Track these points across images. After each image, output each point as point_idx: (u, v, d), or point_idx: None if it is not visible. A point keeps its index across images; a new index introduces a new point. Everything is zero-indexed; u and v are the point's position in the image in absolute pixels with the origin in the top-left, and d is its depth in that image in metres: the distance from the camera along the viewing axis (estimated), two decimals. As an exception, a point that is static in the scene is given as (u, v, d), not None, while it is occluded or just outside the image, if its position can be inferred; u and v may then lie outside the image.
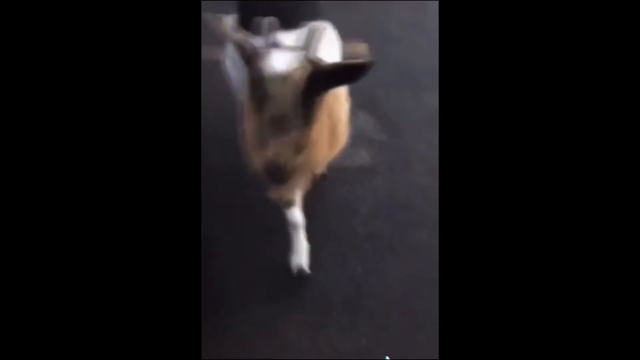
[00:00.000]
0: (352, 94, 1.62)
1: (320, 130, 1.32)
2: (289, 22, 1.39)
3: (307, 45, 1.22)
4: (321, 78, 1.17)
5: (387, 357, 1.46)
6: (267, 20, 1.23)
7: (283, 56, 1.16)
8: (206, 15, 1.24)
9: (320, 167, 1.68)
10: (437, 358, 1.50)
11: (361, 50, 1.41)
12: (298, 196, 1.63)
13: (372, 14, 2.86)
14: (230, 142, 1.63)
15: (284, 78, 1.13)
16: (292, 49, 1.21)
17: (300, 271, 1.69)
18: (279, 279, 1.70)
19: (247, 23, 1.37)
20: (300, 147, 1.19)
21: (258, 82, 1.15)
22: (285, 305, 1.65)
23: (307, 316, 1.61)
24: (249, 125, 1.28)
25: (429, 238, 1.79)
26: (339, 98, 1.51)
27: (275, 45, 1.21)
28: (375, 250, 1.79)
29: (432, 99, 2.30)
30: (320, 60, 1.19)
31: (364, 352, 1.53)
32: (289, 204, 1.60)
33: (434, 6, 2.49)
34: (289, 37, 1.30)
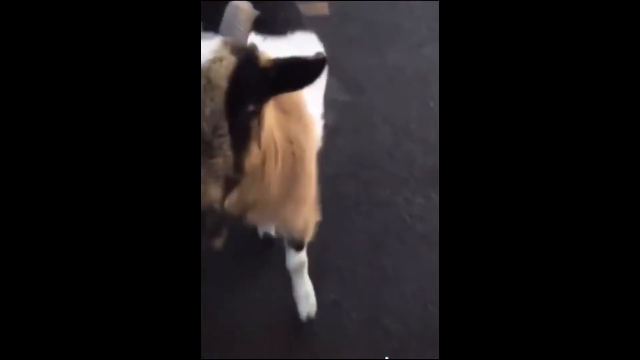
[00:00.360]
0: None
1: (269, 155, 0.96)
2: (273, 28, 1.12)
3: (229, 28, 0.84)
4: (254, 75, 0.83)
5: (387, 358, 1.47)
6: None
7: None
8: None
9: (280, 221, 1.24)
10: (401, 306, 1.57)
11: (321, 9, 1.18)
12: None
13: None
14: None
15: None
16: (205, 36, 0.85)
17: (267, 235, 1.71)
18: (247, 243, 1.71)
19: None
20: (231, 181, 0.82)
21: None
22: (254, 268, 1.67)
23: (276, 277, 1.64)
24: None
25: (392, 194, 1.83)
26: (299, 115, 1.11)
27: None
28: (341, 209, 1.82)
29: (393, 57, 2.30)
30: (251, 48, 0.85)
31: (332, 306, 1.58)
32: None
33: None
34: (274, 45, 1.00)
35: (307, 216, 1.24)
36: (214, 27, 0.94)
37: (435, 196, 1.81)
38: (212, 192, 0.79)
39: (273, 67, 0.85)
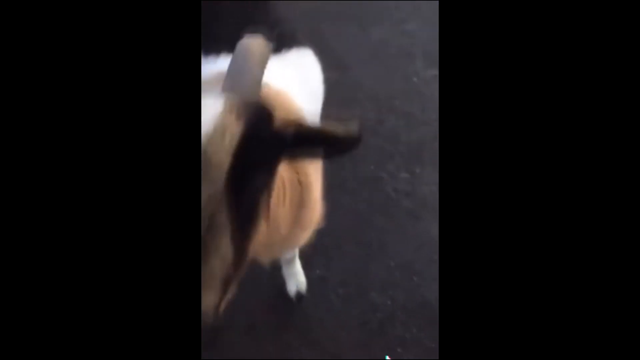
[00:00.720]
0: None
1: (278, 197, 0.86)
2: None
3: (238, 75, 0.67)
4: (266, 141, 0.67)
5: (387, 357, 1.48)
6: None
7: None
8: None
9: (286, 249, 1.20)
10: (386, 279, 1.59)
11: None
12: None
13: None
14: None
15: None
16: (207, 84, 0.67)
17: None
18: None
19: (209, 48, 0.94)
20: (230, 278, 0.66)
21: None
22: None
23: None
24: None
25: (377, 170, 1.84)
26: None
27: None
28: (326, 186, 1.82)
29: (377, 34, 2.29)
30: (264, 105, 0.68)
31: (319, 281, 1.60)
32: None
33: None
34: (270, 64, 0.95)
35: (310, 232, 1.17)
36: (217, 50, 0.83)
37: (419, 170, 1.82)
38: (206, 300, 0.63)
39: (292, 131, 0.69)
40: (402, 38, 2.25)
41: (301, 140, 0.70)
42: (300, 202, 0.97)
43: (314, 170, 1.00)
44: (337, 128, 0.71)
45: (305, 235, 1.12)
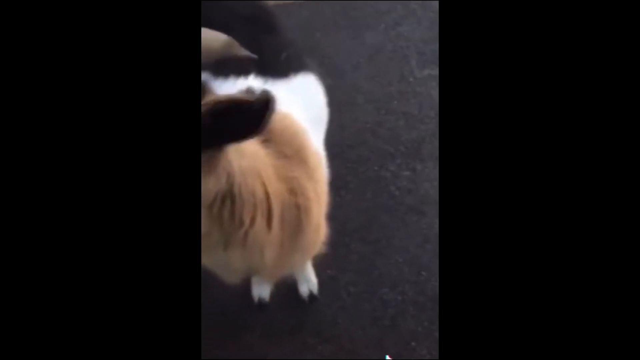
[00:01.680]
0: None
1: (259, 218, 0.85)
2: (274, 70, 1.06)
3: None
4: None
5: (388, 357, 1.52)
6: None
7: None
8: None
9: (289, 270, 1.24)
10: (395, 275, 1.63)
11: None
12: None
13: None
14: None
15: None
16: None
17: (262, 300, 1.67)
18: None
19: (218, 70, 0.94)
20: None
21: None
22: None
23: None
24: None
25: (379, 170, 1.88)
26: (302, 159, 0.97)
27: None
28: (331, 189, 1.86)
29: (372, 38, 2.34)
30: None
31: (330, 281, 1.64)
32: None
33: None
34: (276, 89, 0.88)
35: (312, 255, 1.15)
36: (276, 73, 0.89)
37: (420, 167, 1.86)
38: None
39: (207, 115, 0.65)
40: (397, 40, 2.30)
41: (217, 119, 0.65)
42: (298, 227, 0.95)
43: (315, 194, 0.98)
44: (250, 97, 0.66)
45: (309, 257, 1.11)
